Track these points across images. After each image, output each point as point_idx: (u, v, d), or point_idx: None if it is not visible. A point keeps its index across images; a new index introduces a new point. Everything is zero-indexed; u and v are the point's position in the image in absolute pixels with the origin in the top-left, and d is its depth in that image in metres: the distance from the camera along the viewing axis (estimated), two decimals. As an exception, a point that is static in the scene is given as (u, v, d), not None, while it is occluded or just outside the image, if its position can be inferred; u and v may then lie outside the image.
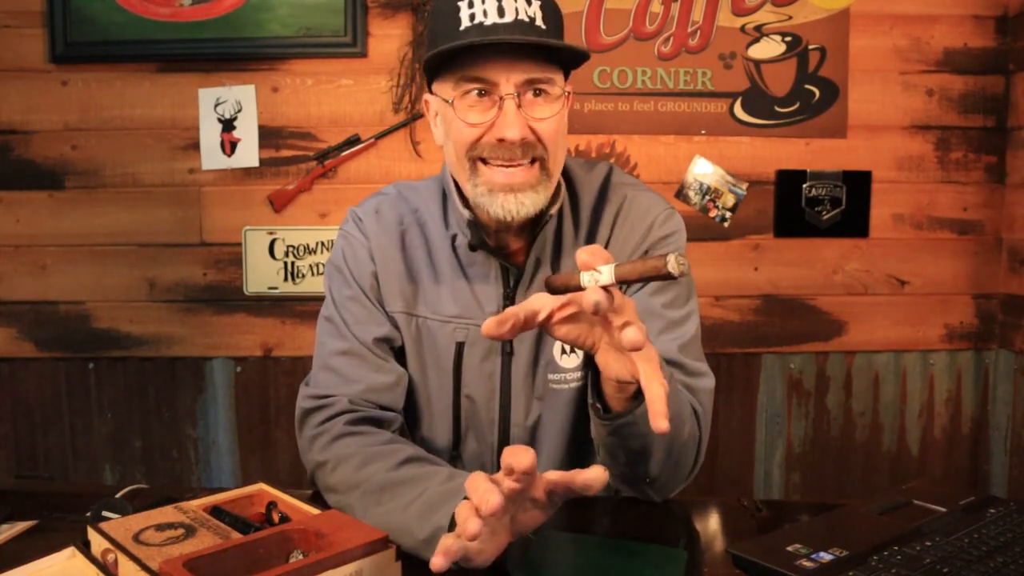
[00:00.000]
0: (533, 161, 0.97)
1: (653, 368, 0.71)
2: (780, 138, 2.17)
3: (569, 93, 1.03)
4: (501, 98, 0.95)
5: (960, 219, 2.22)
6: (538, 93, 0.96)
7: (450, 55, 0.96)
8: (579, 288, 0.70)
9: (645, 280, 0.67)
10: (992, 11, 2.17)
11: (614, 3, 2.12)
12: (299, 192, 2.13)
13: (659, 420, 0.68)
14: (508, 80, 0.94)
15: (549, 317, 0.75)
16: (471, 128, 0.97)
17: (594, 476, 0.73)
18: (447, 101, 0.98)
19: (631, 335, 0.68)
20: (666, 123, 2.16)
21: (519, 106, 0.95)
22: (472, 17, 0.93)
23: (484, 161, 0.98)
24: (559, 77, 0.98)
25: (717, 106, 2.16)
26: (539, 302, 0.75)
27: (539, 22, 0.94)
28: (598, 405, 0.85)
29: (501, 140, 0.95)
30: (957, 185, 2.21)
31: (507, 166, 0.96)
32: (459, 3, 0.94)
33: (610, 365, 0.78)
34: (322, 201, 2.15)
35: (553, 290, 0.75)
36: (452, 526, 0.78)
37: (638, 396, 0.82)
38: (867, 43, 2.16)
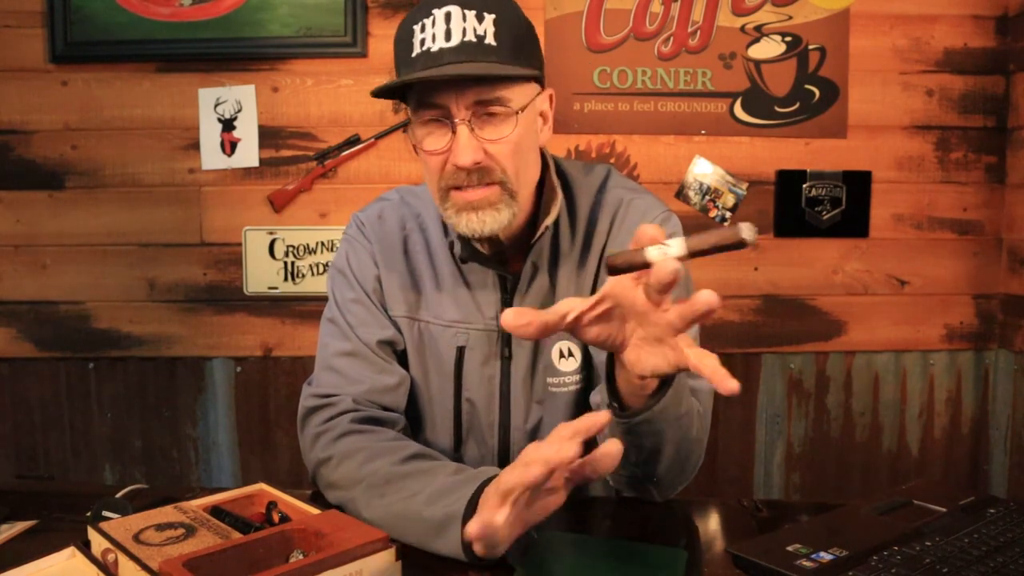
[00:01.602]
0: (491, 184, 0.97)
1: (698, 349, 0.71)
2: (780, 138, 2.17)
3: (550, 96, 1.02)
4: (455, 124, 0.94)
5: (960, 219, 2.22)
6: (491, 114, 0.95)
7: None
8: (645, 265, 0.67)
9: (719, 250, 0.64)
10: (992, 11, 2.17)
11: (614, 3, 2.12)
12: (299, 192, 2.13)
13: (727, 381, 0.66)
14: (458, 105, 0.93)
15: (578, 319, 0.73)
16: (430, 156, 0.96)
17: (610, 451, 0.75)
18: (404, 130, 0.98)
19: (707, 296, 0.65)
20: (666, 123, 2.16)
21: (472, 130, 0.94)
22: (422, 43, 0.93)
23: (454, 188, 0.98)
24: (516, 92, 0.96)
25: (717, 106, 2.16)
26: (567, 305, 0.73)
27: (489, 39, 0.92)
28: (615, 404, 0.85)
29: (457, 167, 0.95)
30: (957, 185, 2.22)
31: (466, 188, 0.96)
32: (414, 27, 0.94)
33: (644, 360, 0.74)
34: (322, 201, 2.15)
35: (614, 269, 0.70)
36: (467, 514, 0.79)
37: (658, 392, 0.81)
38: (867, 43, 2.16)
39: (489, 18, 0.93)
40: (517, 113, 0.96)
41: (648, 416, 0.82)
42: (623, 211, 1.08)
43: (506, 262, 1.07)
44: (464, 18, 0.92)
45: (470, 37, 0.92)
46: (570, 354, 1.07)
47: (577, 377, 1.07)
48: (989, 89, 2.19)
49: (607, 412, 0.75)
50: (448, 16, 0.92)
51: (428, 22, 0.92)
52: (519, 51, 0.96)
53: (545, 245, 1.07)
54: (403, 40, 0.96)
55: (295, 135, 2.14)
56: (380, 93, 0.96)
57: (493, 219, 0.97)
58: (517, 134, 0.96)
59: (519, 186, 0.99)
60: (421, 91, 0.94)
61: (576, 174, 1.12)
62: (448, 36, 0.92)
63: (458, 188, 0.96)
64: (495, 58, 0.93)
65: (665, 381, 0.81)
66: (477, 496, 0.81)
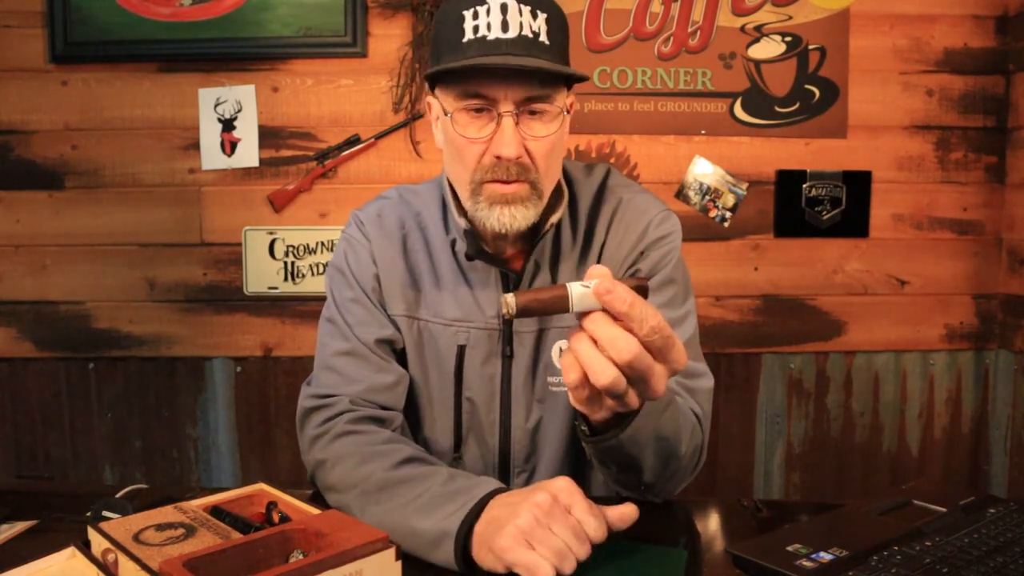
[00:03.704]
0: (524, 181, 0.97)
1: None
2: (780, 138, 2.17)
3: (571, 104, 1.03)
4: (500, 115, 0.94)
5: (960, 219, 2.22)
6: (536, 112, 0.96)
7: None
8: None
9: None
10: (992, 11, 2.17)
11: (614, 3, 2.12)
12: (299, 192, 2.13)
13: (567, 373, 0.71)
14: (507, 98, 0.94)
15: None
16: (470, 144, 0.97)
17: (626, 513, 0.80)
18: (446, 113, 0.98)
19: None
20: (666, 123, 2.16)
21: (517, 124, 0.94)
22: (476, 29, 0.93)
23: (488, 181, 0.98)
24: (560, 94, 0.98)
25: (717, 106, 2.16)
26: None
27: (543, 37, 0.94)
28: (584, 427, 0.85)
29: (498, 157, 0.95)
30: (957, 185, 2.22)
31: (503, 182, 0.97)
32: (464, 12, 0.94)
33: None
34: (322, 201, 2.15)
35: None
36: (461, 531, 0.80)
37: (622, 420, 0.81)
38: (867, 43, 2.16)
39: (542, 17, 0.94)
40: (562, 114, 0.98)
41: (614, 444, 0.82)
42: (622, 210, 1.09)
43: (508, 261, 1.07)
44: (520, 12, 0.93)
45: (527, 32, 0.93)
46: None
47: None
48: (989, 89, 2.19)
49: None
50: (504, 7, 0.93)
51: (482, 10, 0.93)
52: (565, 53, 0.98)
53: (547, 244, 1.07)
54: (450, 23, 0.95)
55: (295, 135, 2.14)
56: (433, 73, 0.96)
57: (523, 215, 0.98)
58: (557, 135, 0.98)
59: (545, 186, 1.00)
60: (470, 79, 0.94)
61: (576, 174, 1.13)
62: (505, 27, 0.92)
63: (491, 182, 0.97)
64: (549, 57, 0.94)
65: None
66: (474, 513, 0.81)
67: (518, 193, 0.97)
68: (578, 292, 0.68)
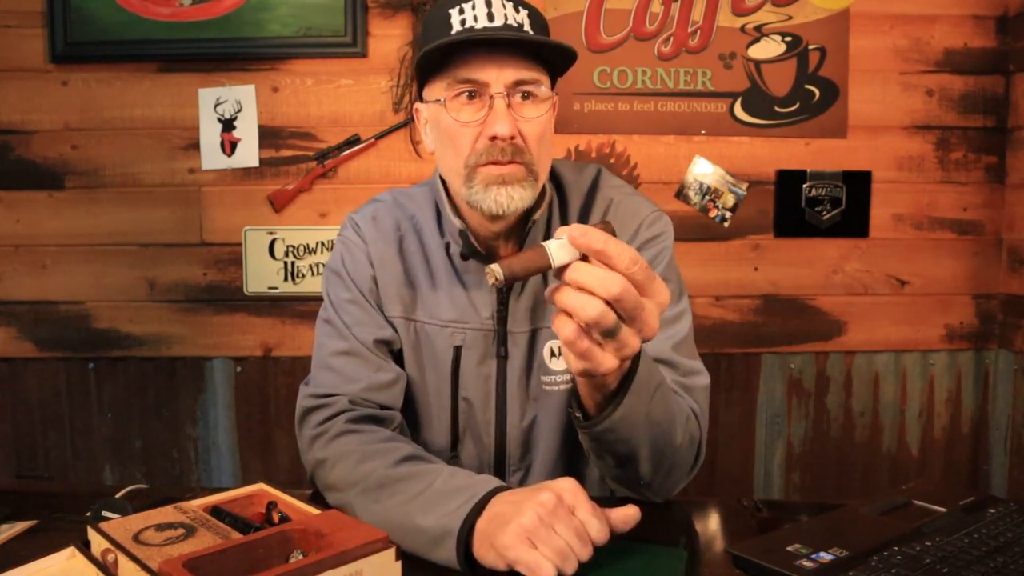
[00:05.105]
0: (519, 163, 0.98)
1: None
2: (780, 138, 2.17)
3: (554, 98, 1.03)
4: (491, 97, 0.96)
5: (960, 219, 2.22)
6: (526, 95, 0.98)
7: (441, 57, 0.97)
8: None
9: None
10: (992, 11, 2.17)
11: (614, 3, 2.12)
12: (299, 192, 2.13)
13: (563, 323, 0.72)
14: (498, 80, 0.96)
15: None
16: (464, 127, 0.97)
17: (628, 514, 0.81)
18: (438, 100, 0.99)
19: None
20: (666, 123, 2.16)
21: (508, 105, 0.96)
22: (463, 23, 0.96)
23: (482, 165, 0.99)
24: (546, 80, 1.00)
25: (717, 106, 2.16)
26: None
27: (527, 28, 0.97)
28: (578, 414, 0.86)
29: (493, 138, 0.96)
30: (957, 185, 2.21)
31: (498, 163, 0.97)
32: (451, 10, 0.97)
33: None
34: (322, 201, 2.15)
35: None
36: (464, 529, 0.80)
37: (614, 399, 0.82)
38: (867, 43, 2.16)
39: (524, 12, 0.98)
40: (550, 99, 1.00)
41: (607, 426, 0.83)
42: (613, 210, 1.09)
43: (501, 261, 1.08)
44: (504, 6, 0.96)
45: (512, 22, 0.96)
46: (560, 353, 1.07)
47: (567, 376, 1.08)
48: (989, 89, 2.19)
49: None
50: (489, 2, 0.96)
51: (467, 6, 0.96)
52: None
53: (537, 242, 1.07)
54: (438, 21, 0.98)
55: (295, 135, 2.14)
56: (423, 58, 0.97)
57: (520, 196, 0.98)
58: (546, 119, 1.00)
59: (539, 170, 1.01)
60: (460, 65, 0.96)
61: (567, 174, 1.13)
62: (491, 18, 0.96)
63: (485, 165, 0.98)
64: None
65: (622, 386, 0.81)
66: (476, 510, 0.81)
67: (514, 173, 0.97)
68: (555, 244, 0.71)
